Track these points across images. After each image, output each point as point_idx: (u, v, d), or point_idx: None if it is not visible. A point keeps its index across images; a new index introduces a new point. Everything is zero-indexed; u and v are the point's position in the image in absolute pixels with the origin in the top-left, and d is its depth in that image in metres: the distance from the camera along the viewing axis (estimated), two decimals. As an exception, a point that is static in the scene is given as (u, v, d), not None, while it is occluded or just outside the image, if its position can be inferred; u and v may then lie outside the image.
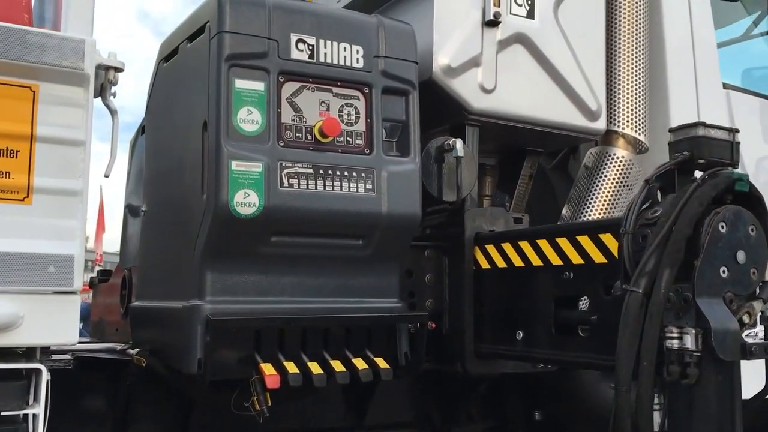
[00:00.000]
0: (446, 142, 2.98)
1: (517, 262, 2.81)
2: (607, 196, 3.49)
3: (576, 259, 2.53)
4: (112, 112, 2.46)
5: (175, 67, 3.05)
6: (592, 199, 3.50)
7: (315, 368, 2.51)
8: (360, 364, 2.60)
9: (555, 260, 2.62)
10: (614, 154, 3.52)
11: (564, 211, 3.63)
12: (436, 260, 3.11)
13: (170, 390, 3.11)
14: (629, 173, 3.53)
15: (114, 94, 2.43)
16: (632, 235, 2.20)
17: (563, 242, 2.59)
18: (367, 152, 2.74)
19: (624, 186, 3.52)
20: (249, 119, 2.56)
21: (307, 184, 2.61)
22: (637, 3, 3.57)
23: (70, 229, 2.23)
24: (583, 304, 2.58)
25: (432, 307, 3.07)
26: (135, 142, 4.13)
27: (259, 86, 2.59)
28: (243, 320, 2.53)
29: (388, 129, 2.82)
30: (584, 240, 2.50)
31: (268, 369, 2.44)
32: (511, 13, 3.19)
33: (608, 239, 2.42)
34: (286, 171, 2.58)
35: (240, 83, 2.57)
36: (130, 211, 3.92)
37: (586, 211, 3.49)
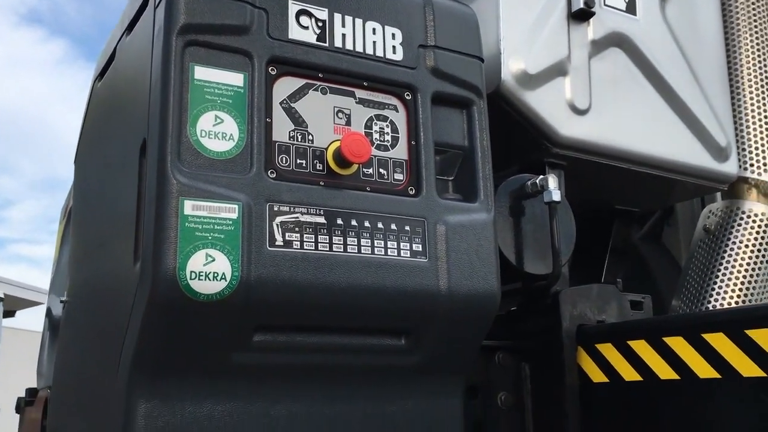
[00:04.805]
0: (529, 182, 1.92)
1: (664, 372, 1.68)
2: (742, 270, 2.41)
3: (799, 365, 1.42)
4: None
5: (110, 79, 2.02)
6: (721, 274, 2.41)
7: None
8: None
9: (747, 369, 1.51)
10: (749, 211, 2.45)
11: (674, 302, 2.54)
12: (513, 370, 1.99)
13: None
14: (769, 237, 2.46)
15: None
16: None
17: (763, 336, 1.49)
18: (411, 192, 1.67)
19: (763, 256, 2.44)
20: (217, 132, 1.50)
21: (316, 243, 1.52)
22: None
23: None
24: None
25: (511, 446, 1.93)
26: (66, 221, 3.01)
27: (235, 79, 1.54)
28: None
29: (442, 160, 1.77)
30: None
31: None
32: (605, 5, 2.21)
33: None
34: (280, 219, 1.49)
35: (202, 72, 1.52)
36: (49, 316, 2.80)
37: (713, 292, 2.40)
